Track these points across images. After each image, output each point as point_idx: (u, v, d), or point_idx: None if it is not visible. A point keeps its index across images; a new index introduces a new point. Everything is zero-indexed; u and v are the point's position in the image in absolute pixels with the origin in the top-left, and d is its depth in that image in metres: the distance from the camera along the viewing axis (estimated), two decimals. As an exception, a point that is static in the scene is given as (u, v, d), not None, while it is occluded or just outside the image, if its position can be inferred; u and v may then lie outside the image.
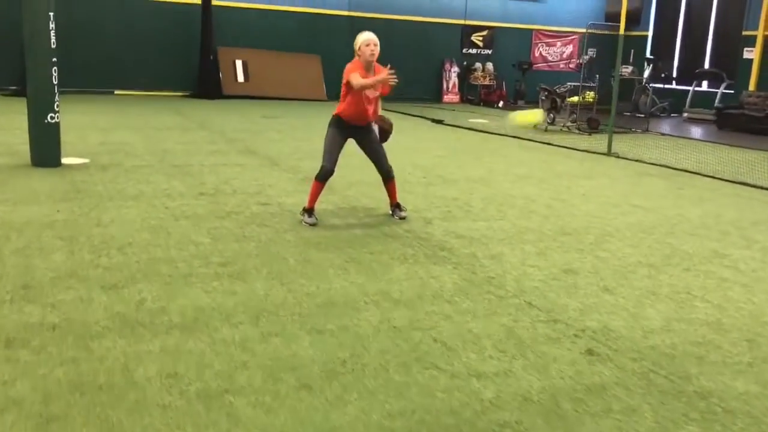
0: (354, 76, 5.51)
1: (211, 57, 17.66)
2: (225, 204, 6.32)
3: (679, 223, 6.43)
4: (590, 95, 15.08)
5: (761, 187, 8.51)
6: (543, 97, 14.60)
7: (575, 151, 11.27)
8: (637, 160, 10.38)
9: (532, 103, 20.66)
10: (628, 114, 18.25)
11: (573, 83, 15.28)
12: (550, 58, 22.40)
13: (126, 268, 4.43)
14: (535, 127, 14.49)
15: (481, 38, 21.41)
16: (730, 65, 18.98)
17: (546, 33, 22.21)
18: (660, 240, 5.76)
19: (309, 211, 5.81)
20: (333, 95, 18.84)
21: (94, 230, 5.26)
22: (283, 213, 6.09)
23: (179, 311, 3.76)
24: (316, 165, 8.23)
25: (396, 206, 6.14)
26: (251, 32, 18.57)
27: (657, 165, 10.02)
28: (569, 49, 22.68)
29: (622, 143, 11.72)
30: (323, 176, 5.75)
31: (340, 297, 4.11)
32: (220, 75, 17.87)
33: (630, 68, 20.70)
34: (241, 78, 18.35)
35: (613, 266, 4.97)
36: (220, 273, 4.42)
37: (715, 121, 16.90)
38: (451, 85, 21.00)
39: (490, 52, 21.49)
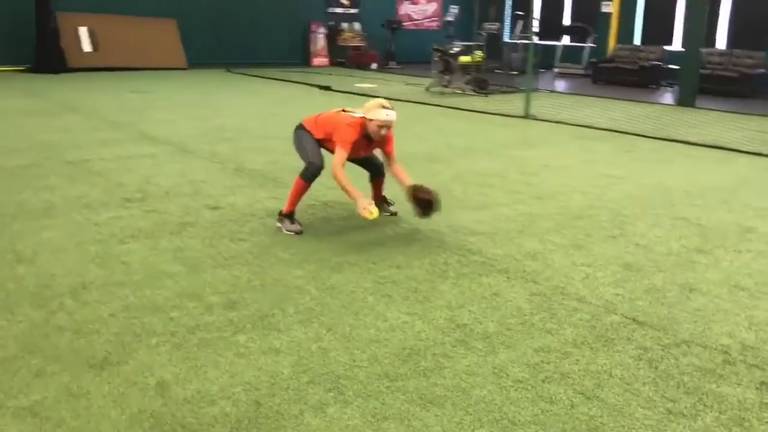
0: (341, 155, 4.47)
1: (51, 24, 15.27)
2: (166, 212, 5.05)
3: (668, 192, 6.00)
4: (479, 54, 14.64)
5: (702, 145, 8.39)
6: (436, 59, 13.95)
7: (491, 115, 10.74)
8: (558, 122, 10.03)
9: (404, 64, 20.07)
10: (501, 72, 18.13)
11: (463, 43, 14.77)
12: (415, 16, 21.80)
13: (102, 328, 3.19)
14: (428, 89, 13.88)
15: (346, -4, 20.32)
16: (589, 19, 19.35)
17: (410, -10, 21.53)
18: (677, 216, 5.27)
19: (290, 215, 4.72)
20: (193, 61, 17.21)
21: (18, 270, 3.87)
22: (246, 219, 4.94)
23: (227, 396, 2.65)
24: (234, 149, 7.10)
25: (384, 201, 5.19)
26: (95, -6, 16.31)
27: (581, 126, 9.70)
28: (433, 6, 22.19)
29: (521, 103, 11.34)
30: (312, 174, 4.66)
31: (412, 339, 3.16)
32: (62, 45, 15.54)
33: (496, 25, 20.67)
34: (87, 47, 16.09)
35: (664, 255, 4.38)
36: (236, 321, 3.30)
37: (591, 75, 17.16)
38: (319, 48, 19.83)
39: (356, 11, 20.49)
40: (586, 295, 3.72)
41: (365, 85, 14.68)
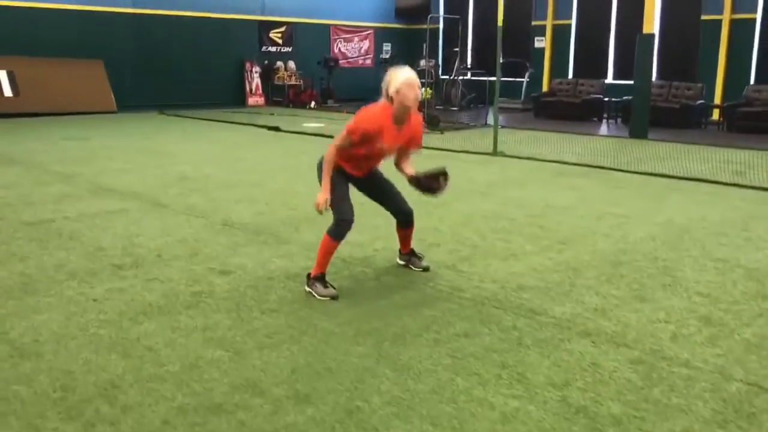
0: (343, 140, 4.03)
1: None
2: (170, 280, 4.40)
3: (686, 231, 5.79)
4: (427, 91, 14.45)
5: (684, 178, 8.33)
6: (389, 96, 13.61)
7: (458, 153, 10.46)
8: (528, 158, 9.84)
9: (342, 102, 19.71)
10: (441, 107, 18.04)
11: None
12: (349, 54, 21.57)
13: (162, 443, 2.56)
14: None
15: (279, 35, 19.90)
16: (523, 55, 19.61)
17: (343, 28, 21.32)
18: (715, 257, 5.02)
19: (321, 278, 4.17)
20: (123, 104, 16.23)
21: (24, 368, 3.17)
22: (266, 284, 4.36)
23: None
24: (209, 200, 6.51)
25: (412, 254, 4.71)
26: (15, 36, 15.23)
27: (553, 162, 9.54)
28: (366, 44, 22.04)
29: (480, 139, 11.15)
30: (342, 232, 4.13)
31: (536, 431, 2.69)
32: (-20, 90, 14.41)
33: (432, 61, 20.66)
34: (8, 92, 14.97)
35: (732, 304, 4.08)
36: (320, 419, 2.74)
37: (531, 109, 17.28)
38: (254, 87, 19.25)
39: (290, 49, 20.06)
40: (689, 358, 3.34)
41: (313, 125, 14.21)
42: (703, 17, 16.23)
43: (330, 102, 19.55)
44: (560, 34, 18.93)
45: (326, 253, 4.16)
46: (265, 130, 13.30)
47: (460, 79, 18.84)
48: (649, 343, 3.52)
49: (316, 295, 4.11)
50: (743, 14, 15.71)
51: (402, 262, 4.73)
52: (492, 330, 3.66)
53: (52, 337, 3.50)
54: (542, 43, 19.52)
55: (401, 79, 3.94)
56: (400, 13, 22.33)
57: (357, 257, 4.91)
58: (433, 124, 13.70)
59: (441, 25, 22.14)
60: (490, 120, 15.41)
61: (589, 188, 7.71)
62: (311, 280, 4.18)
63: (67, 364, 3.19)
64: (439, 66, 20.51)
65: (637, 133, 12.49)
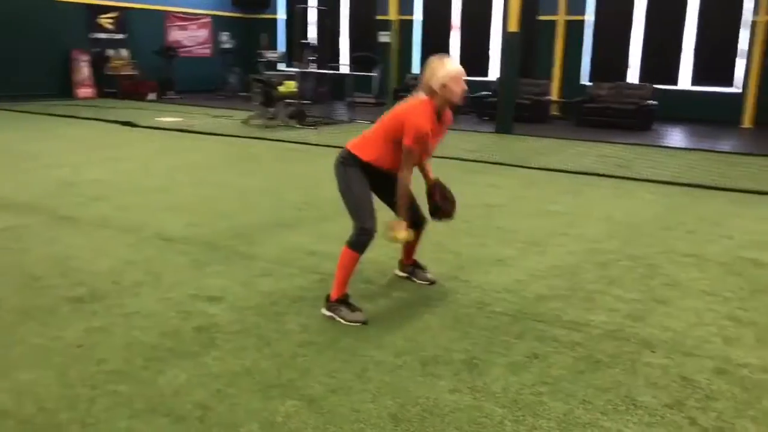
0: (411, 159, 3.61)
1: None
2: (156, 314, 3.69)
3: (631, 227, 5.95)
4: (291, 84, 13.88)
5: (584, 173, 8.65)
6: (257, 90, 12.90)
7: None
8: (455, 158, 9.59)
9: (184, 94, 18.46)
10: (294, 101, 17.47)
11: (275, 72, 13.89)
12: (186, 43, 20.27)
13: None
14: (246, 123, 12.82)
15: (110, 20, 18.18)
16: (370, 49, 19.59)
17: (179, 15, 19.97)
18: (688, 253, 5.17)
19: (345, 301, 3.69)
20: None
21: (51, 449, 2.42)
22: (274, 313, 3.80)
23: None
24: (122, 210, 5.81)
25: (416, 266, 4.35)
26: None
27: (452, 158, 9.50)
28: (204, 33, 20.85)
29: (354, 136, 10.89)
30: (365, 244, 3.67)
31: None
32: None
33: (277, 53, 20.01)
34: None
35: (738, 299, 4.19)
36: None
37: (386, 104, 17.27)
38: (83, 78, 17.43)
39: (123, 36, 18.42)
40: (751, 361, 3.34)
41: (168, 119, 13.13)
42: (540, 17, 17.14)
43: (170, 94, 18.23)
44: (407, 29, 19.11)
45: (348, 269, 3.69)
46: (118, 126, 12.04)
47: (312, 73, 18.37)
48: (712, 349, 3.47)
49: (341, 320, 3.63)
50: (576, 15, 16.80)
51: (403, 274, 4.36)
52: (557, 348, 3.43)
53: (62, 402, 2.74)
54: (387, 37, 19.59)
55: (449, 72, 3.57)
56: (237, 2, 21.38)
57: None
58: (299, 118, 13.20)
59: (284, 16, 21.53)
60: (350, 115, 15.25)
61: (510, 186, 7.73)
62: (333, 303, 3.69)
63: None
64: (285, 58, 19.91)
65: (504, 128, 12.89)
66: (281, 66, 19.87)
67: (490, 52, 18.00)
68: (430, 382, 3.01)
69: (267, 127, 12.38)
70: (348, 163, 3.74)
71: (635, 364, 3.27)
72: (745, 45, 14.87)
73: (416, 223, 4.07)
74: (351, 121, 14.27)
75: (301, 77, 18.66)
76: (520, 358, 3.29)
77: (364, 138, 3.77)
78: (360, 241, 3.66)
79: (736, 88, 15.06)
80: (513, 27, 12.59)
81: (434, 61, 3.63)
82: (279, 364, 3.13)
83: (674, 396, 2.98)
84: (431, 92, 3.60)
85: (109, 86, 17.73)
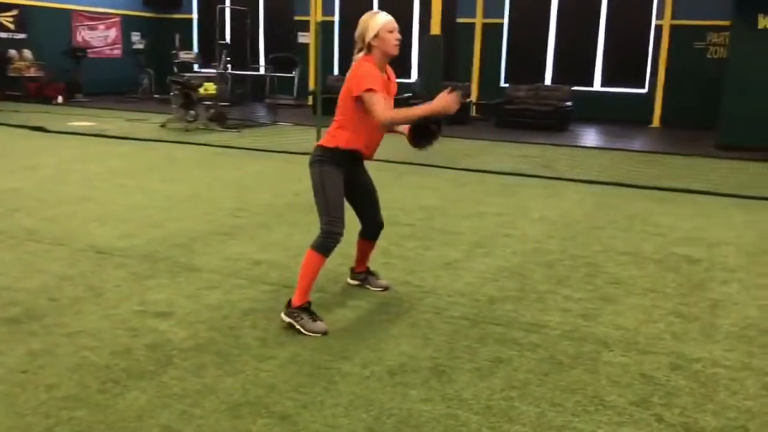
0: (378, 99, 3.43)
1: None
2: (104, 332, 3.48)
3: (566, 227, 6.10)
4: (211, 86, 13.52)
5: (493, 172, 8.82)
6: (176, 92, 12.50)
7: (281, 153, 9.90)
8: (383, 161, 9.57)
9: (92, 96, 17.70)
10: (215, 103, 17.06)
11: (194, 74, 13.50)
12: (94, 43, 19.45)
13: None
14: (164, 126, 12.43)
15: (10, 19, 17.24)
16: (287, 50, 19.35)
17: (86, 15, 19.14)
18: (621, 251, 5.33)
19: (307, 309, 3.60)
20: None
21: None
22: (228, 327, 3.66)
23: None
24: (46, 222, 5.54)
25: (368, 273, 4.30)
26: None
27: (391, 162, 9.47)
28: (113, 33, 20.07)
29: (287, 137, 10.79)
30: (331, 247, 3.60)
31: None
32: None
33: (192, 54, 19.48)
34: None
35: (685, 296, 4.36)
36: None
37: (307, 106, 17.12)
38: (-17, 79, 16.46)
39: (24, 36, 17.50)
40: (708, 356, 3.47)
41: (81, 123, 12.57)
42: (459, 20, 17.39)
43: (79, 96, 17.45)
44: (328, 30, 19.00)
45: (312, 273, 3.61)
46: (27, 131, 11.42)
47: (228, 74, 17.99)
48: (665, 346, 3.58)
49: (302, 329, 3.54)
50: (493, 18, 17.15)
51: (355, 282, 4.30)
52: (520, 351, 3.45)
53: (16, 435, 2.54)
54: (306, 38, 19.46)
55: (379, 22, 3.55)
56: (149, 1, 20.69)
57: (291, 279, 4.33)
58: (220, 121, 12.90)
59: (195, 15, 21.01)
60: (268, 116, 15.01)
61: (443, 188, 7.78)
62: (294, 310, 3.59)
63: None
64: (200, 59, 19.40)
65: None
66: (196, 67, 19.37)
67: (412, 55, 18.12)
68: (401, 392, 2.97)
69: (187, 130, 12.03)
70: (322, 159, 3.64)
71: (596, 364, 3.33)
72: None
73: (372, 231, 4.03)
74: (273, 123, 14.07)
75: (220, 78, 18.33)
76: (486, 363, 3.29)
77: (330, 128, 3.69)
78: (326, 245, 3.58)
79: (645, 90, 15.75)
80: (435, 29, 12.72)
81: (365, 16, 3.61)
82: (243, 381, 3.02)
83: (638, 394, 3.04)
84: (368, 48, 3.56)
85: (12, 89, 16.80)
